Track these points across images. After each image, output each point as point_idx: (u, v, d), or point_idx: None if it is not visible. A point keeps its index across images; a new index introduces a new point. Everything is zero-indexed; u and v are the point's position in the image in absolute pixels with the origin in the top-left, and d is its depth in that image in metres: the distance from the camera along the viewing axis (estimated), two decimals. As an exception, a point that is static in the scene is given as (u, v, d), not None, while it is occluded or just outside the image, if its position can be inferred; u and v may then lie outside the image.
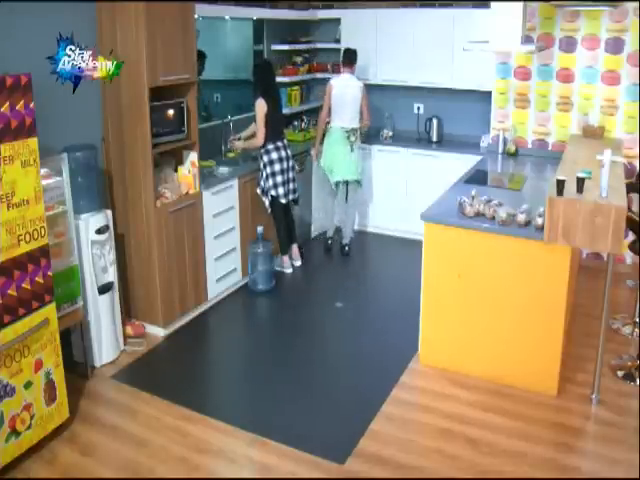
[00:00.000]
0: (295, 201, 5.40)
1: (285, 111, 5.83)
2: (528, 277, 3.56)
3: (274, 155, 5.05)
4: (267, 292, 4.99)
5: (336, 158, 5.59)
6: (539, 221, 3.48)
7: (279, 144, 5.10)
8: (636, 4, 4.90)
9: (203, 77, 5.30)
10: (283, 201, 5.16)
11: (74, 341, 3.89)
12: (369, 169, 6.21)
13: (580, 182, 3.35)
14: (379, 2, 6.14)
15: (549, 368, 3.62)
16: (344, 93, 5.54)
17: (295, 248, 5.57)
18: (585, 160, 4.16)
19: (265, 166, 5.07)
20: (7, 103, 2.81)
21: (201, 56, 5.07)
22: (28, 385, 3.07)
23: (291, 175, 5.22)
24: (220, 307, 4.86)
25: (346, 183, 5.77)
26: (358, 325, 4.68)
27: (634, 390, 3.69)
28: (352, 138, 5.58)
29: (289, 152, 5.20)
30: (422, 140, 6.29)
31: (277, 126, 5.15)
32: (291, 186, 5.23)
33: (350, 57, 5.62)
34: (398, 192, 6.18)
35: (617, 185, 3.56)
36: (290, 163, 5.20)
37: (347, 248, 5.87)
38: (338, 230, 5.99)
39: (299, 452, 3.19)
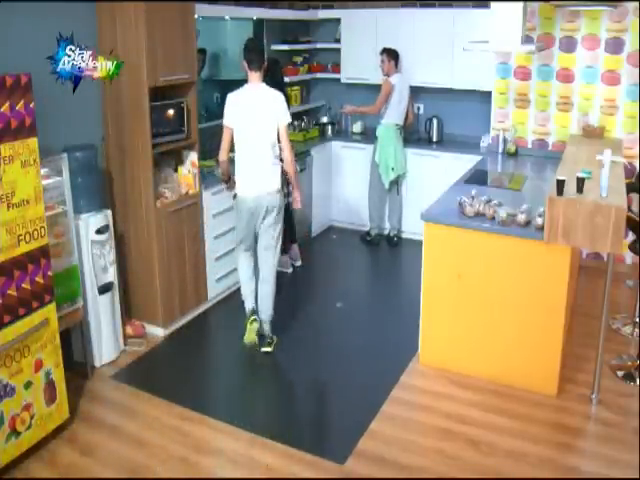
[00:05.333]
0: None
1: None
2: (528, 277, 3.57)
3: None
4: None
5: (395, 155, 5.86)
6: (539, 221, 3.48)
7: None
8: (636, 4, 4.90)
9: (203, 77, 5.31)
10: None
11: (74, 341, 3.90)
12: (369, 169, 6.20)
13: (580, 182, 3.35)
14: (379, 2, 6.14)
15: (549, 368, 3.62)
16: (402, 90, 5.82)
17: (295, 248, 5.57)
18: (585, 160, 4.16)
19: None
20: (7, 103, 2.81)
21: (201, 52, 5.08)
22: (28, 385, 3.07)
23: None
24: (220, 307, 4.86)
25: (396, 177, 6.00)
26: (358, 325, 4.67)
27: (634, 390, 3.69)
28: (402, 134, 5.94)
29: None
30: (422, 140, 6.29)
31: None
32: (290, 189, 5.19)
33: (397, 58, 5.86)
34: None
35: (617, 185, 3.56)
36: None
37: (396, 239, 6.17)
38: (379, 225, 6.23)
39: (299, 452, 3.19)
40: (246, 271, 4.33)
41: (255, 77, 3.94)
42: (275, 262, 4.21)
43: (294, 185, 4.26)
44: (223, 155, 4.04)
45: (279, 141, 3.96)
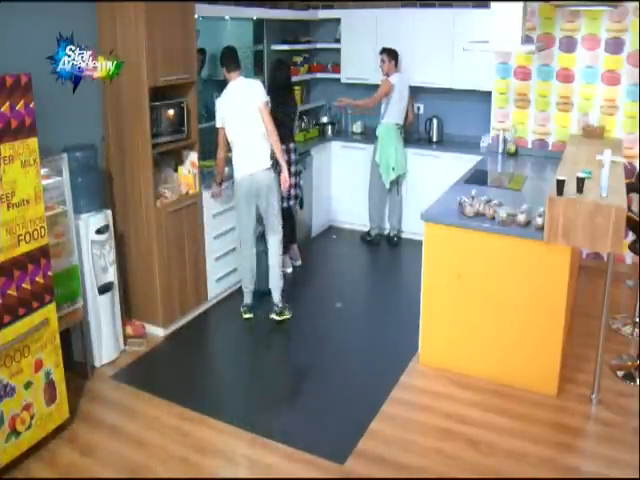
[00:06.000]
0: (300, 205, 5.37)
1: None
2: (528, 277, 3.56)
3: None
4: (267, 292, 4.98)
5: (395, 154, 5.86)
6: (539, 221, 3.48)
7: (282, 147, 5.02)
8: (636, 4, 4.90)
9: (203, 77, 5.31)
10: (283, 205, 5.11)
11: (74, 341, 3.90)
12: (370, 168, 6.20)
13: (580, 182, 3.35)
14: (379, 2, 6.14)
15: (549, 368, 3.62)
16: (402, 89, 5.83)
17: (295, 248, 5.57)
18: (585, 160, 4.16)
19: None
20: (7, 103, 2.81)
21: (201, 52, 5.07)
22: (28, 385, 3.07)
23: (293, 181, 5.07)
24: (220, 307, 4.86)
25: (396, 177, 6.00)
26: (358, 325, 4.68)
27: (634, 390, 3.69)
28: (403, 134, 5.94)
29: (294, 157, 5.10)
30: (422, 140, 6.29)
31: (280, 128, 5.07)
32: (292, 192, 5.13)
33: (397, 58, 5.86)
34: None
35: (617, 185, 3.56)
36: (293, 168, 5.08)
37: (396, 239, 6.16)
38: (379, 225, 6.24)
39: (299, 452, 3.19)
40: (248, 266, 4.60)
41: (234, 75, 4.38)
42: (280, 237, 4.61)
43: (280, 160, 4.47)
44: (220, 152, 4.44)
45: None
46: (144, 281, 4.31)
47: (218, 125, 4.36)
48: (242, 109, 4.30)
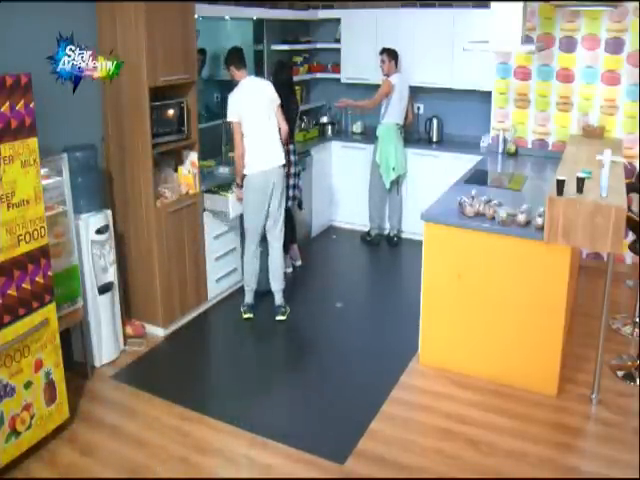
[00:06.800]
0: (299, 206, 5.36)
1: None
2: (528, 277, 3.56)
3: None
4: (267, 292, 4.99)
5: (395, 154, 5.86)
6: (539, 221, 3.48)
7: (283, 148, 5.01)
8: (636, 4, 4.90)
9: (203, 77, 5.31)
10: None
11: (74, 341, 3.90)
12: (370, 169, 6.20)
13: (580, 182, 3.35)
14: (379, 2, 6.14)
15: (549, 368, 3.62)
16: (402, 89, 5.85)
17: (295, 248, 5.57)
18: (585, 160, 4.16)
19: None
20: (7, 103, 2.81)
21: (201, 52, 5.07)
22: (28, 385, 3.07)
23: (291, 182, 5.06)
24: (220, 307, 4.86)
25: (397, 177, 6.00)
26: (358, 325, 4.68)
27: (634, 390, 3.69)
28: (403, 134, 5.95)
29: (294, 158, 5.07)
30: (422, 140, 6.29)
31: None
32: (290, 193, 5.10)
33: (397, 58, 5.87)
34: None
35: (617, 185, 3.56)
36: (293, 169, 5.06)
37: (396, 239, 6.17)
38: (379, 225, 6.24)
39: (299, 452, 3.19)
40: (253, 265, 4.60)
41: (243, 74, 4.42)
42: (282, 241, 4.65)
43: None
44: (239, 149, 4.33)
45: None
46: (144, 281, 4.31)
47: (234, 119, 4.29)
48: (261, 106, 4.34)
